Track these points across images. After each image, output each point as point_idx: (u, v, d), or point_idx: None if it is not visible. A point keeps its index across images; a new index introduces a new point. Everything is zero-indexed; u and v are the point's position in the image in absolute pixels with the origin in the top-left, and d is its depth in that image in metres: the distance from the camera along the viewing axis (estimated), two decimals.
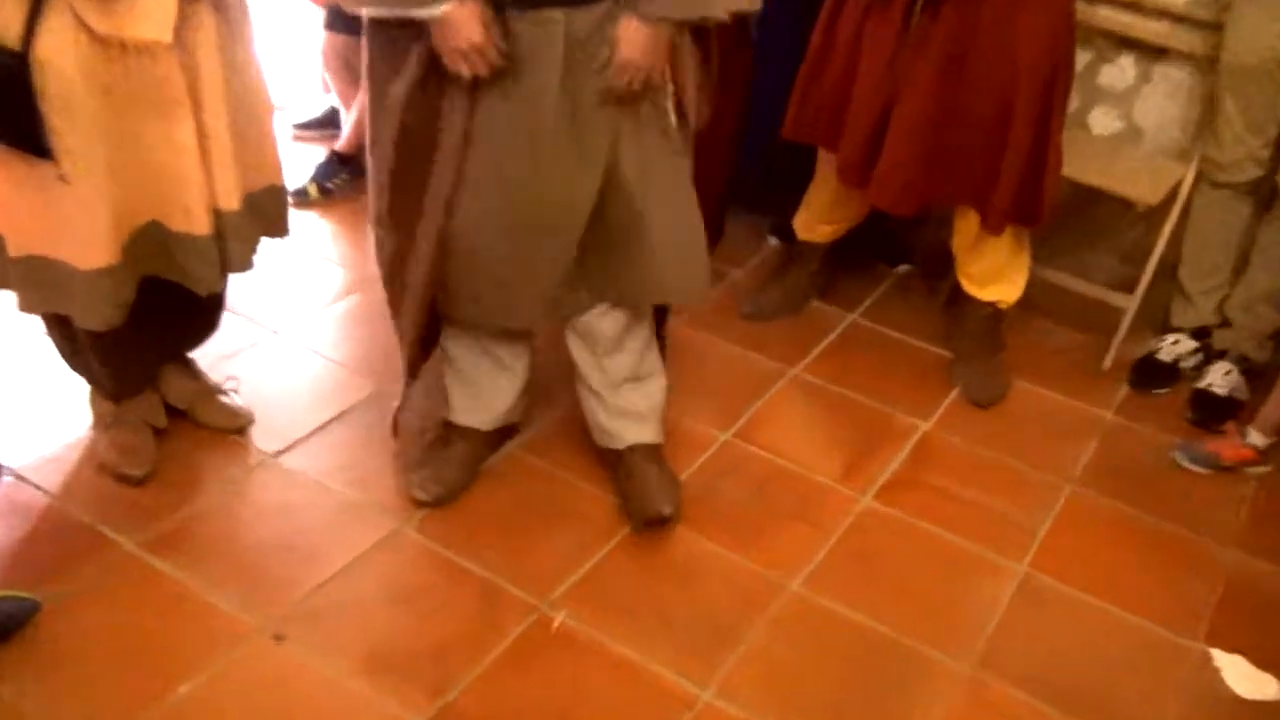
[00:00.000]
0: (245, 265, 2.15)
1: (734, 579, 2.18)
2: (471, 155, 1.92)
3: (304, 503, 2.26)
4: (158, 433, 2.33)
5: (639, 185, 1.99)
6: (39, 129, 1.84)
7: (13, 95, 1.82)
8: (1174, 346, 2.87)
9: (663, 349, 2.39)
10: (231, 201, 2.06)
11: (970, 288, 2.78)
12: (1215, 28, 2.73)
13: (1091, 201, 2.95)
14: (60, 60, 1.82)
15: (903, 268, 3.22)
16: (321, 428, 2.45)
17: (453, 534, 2.21)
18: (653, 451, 2.31)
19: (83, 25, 1.82)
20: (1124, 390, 2.84)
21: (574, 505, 2.32)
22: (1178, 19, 2.85)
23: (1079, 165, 2.74)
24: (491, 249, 1.99)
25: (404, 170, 1.96)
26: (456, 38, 1.78)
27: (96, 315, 2.01)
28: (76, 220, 1.92)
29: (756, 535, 2.28)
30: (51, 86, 1.83)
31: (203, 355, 2.44)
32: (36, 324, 2.23)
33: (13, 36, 1.80)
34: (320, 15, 3.22)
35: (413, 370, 2.23)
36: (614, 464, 2.33)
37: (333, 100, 3.50)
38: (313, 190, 3.27)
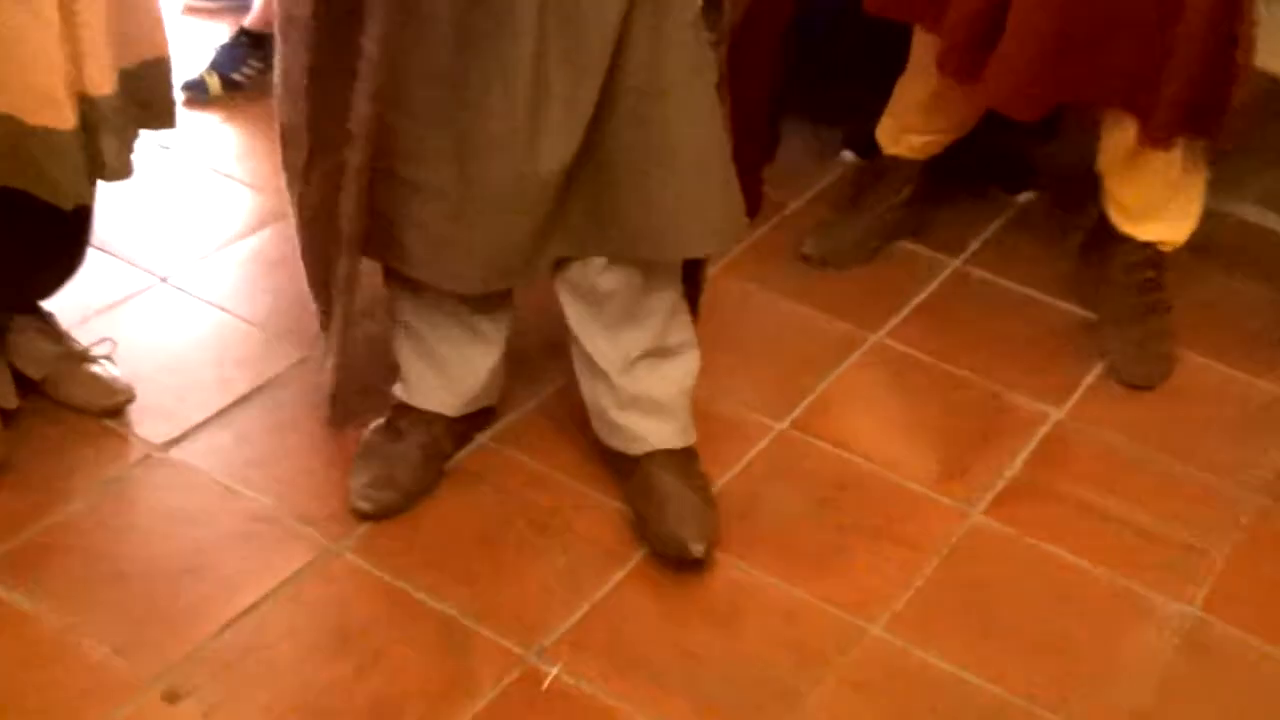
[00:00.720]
0: (122, 170, 2.17)
1: (792, 621, 2.19)
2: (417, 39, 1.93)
3: (204, 512, 2.27)
4: (4, 414, 2.34)
5: (648, 90, 1.98)
6: None
7: None
8: None
9: (694, 307, 2.39)
10: (103, 84, 2.08)
11: (1122, 223, 2.78)
12: None
13: None
14: None
15: (1026, 195, 3.22)
16: (227, 409, 2.46)
17: (405, 557, 2.22)
18: (679, 460, 2.30)
19: None
20: None
21: (570, 517, 2.33)
22: None
23: (1271, 50, 2.72)
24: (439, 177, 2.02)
25: (327, 56, 1.97)
26: None
27: None
28: None
29: (822, 561, 2.30)
30: None
31: (64, 308, 2.45)
32: None
33: None
34: None
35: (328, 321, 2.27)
36: (626, 472, 2.34)
37: None
38: (213, 82, 3.29)
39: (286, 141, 2.11)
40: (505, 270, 2.12)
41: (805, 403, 2.61)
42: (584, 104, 1.95)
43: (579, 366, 2.31)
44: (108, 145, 2.11)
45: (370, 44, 1.88)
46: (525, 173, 1.98)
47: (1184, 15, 2.44)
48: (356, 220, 2.06)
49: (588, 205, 2.08)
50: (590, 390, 2.31)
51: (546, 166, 1.98)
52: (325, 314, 2.26)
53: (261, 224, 2.93)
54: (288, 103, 2.08)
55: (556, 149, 1.97)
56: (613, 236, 2.11)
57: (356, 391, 2.40)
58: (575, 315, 2.23)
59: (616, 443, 2.32)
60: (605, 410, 2.30)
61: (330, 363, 2.31)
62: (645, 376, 2.27)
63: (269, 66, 3.28)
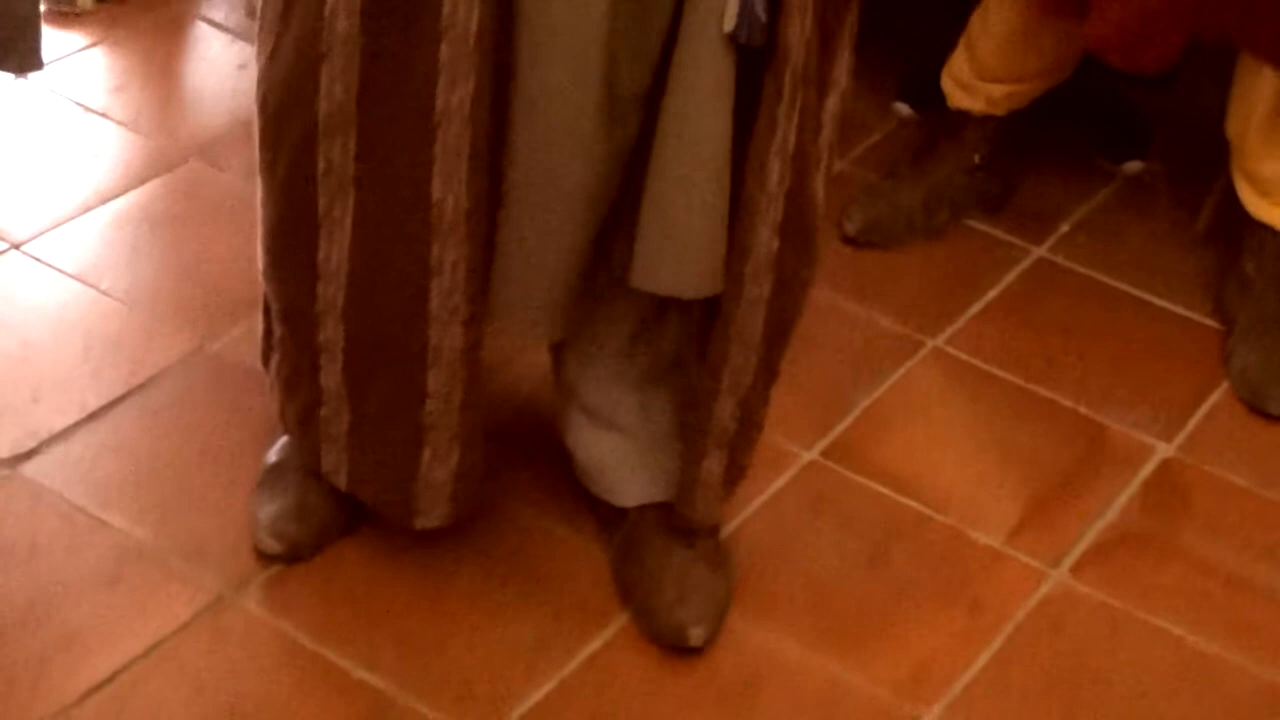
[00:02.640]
0: None
1: (825, 704, 2.20)
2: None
3: (57, 546, 2.27)
4: None
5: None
6: None
7: None
8: None
9: None
10: None
11: (1258, 204, 2.81)
12: None
13: None
14: None
15: (1135, 165, 3.24)
16: (95, 414, 2.46)
17: (322, 610, 2.23)
18: (677, 518, 2.31)
19: None
20: None
21: (539, 561, 2.34)
22: None
23: None
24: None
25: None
26: None
27: None
28: None
29: (864, 628, 2.30)
30: None
31: None
32: None
33: None
34: None
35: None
36: (610, 522, 2.36)
37: None
38: None
39: None
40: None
41: (844, 424, 2.63)
42: None
43: (556, 383, 2.35)
44: None
45: None
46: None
47: None
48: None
49: None
50: (566, 416, 2.35)
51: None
52: (295, 339, 2.22)
53: (141, 176, 2.93)
54: None
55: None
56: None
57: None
58: None
59: (598, 489, 2.35)
60: (582, 447, 2.34)
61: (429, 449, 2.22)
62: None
63: None
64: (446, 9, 1.90)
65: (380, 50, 1.96)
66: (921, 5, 3.08)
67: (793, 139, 2.01)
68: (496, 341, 2.34)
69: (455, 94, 1.93)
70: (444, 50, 1.92)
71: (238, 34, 3.16)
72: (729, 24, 1.91)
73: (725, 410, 2.15)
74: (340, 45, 1.96)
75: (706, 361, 2.15)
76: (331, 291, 2.12)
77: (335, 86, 2.00)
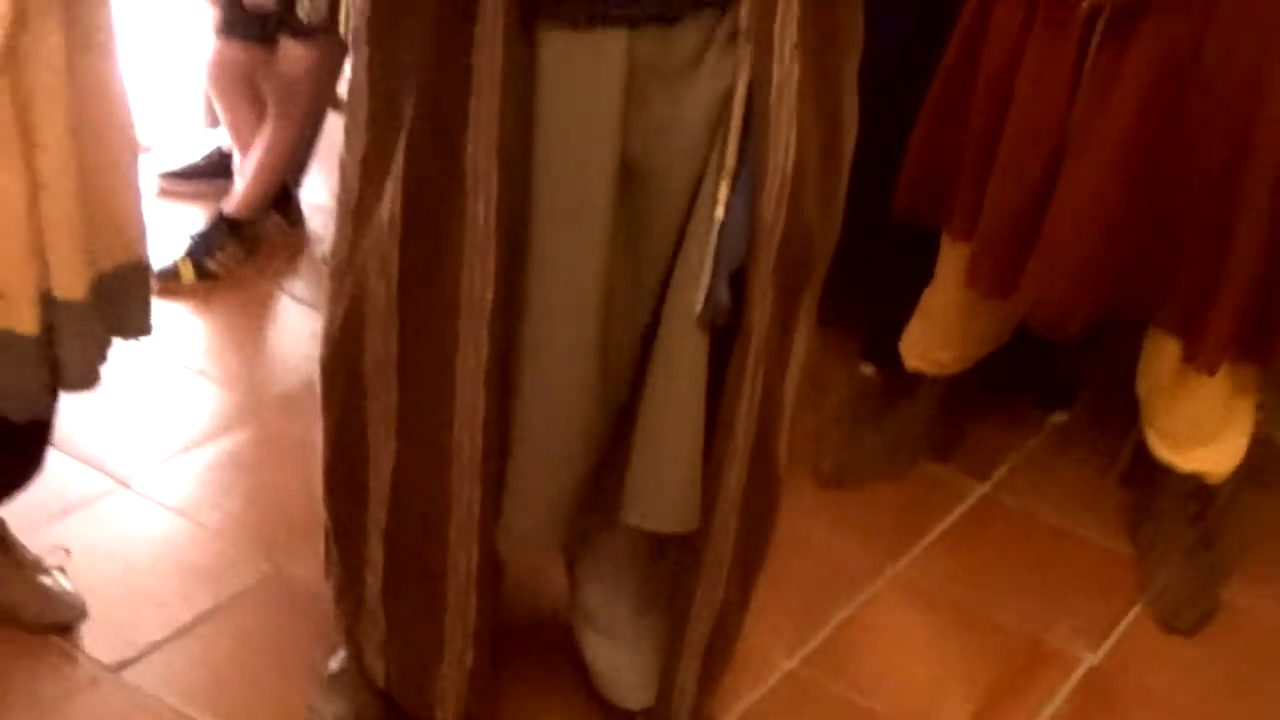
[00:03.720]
0: (87, 380, 2.18)
1: None
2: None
3: None
4: None
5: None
6: None
7: None
8: None
9: None
10: (73, 287, 2.09)
11: (1164, 451, 2.81)
12: None
13: None
14: None
15: (1062, 414, 3.26)
16: (186, 629, 2.45)
17: None
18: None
19: None
20: None
21: None
22: None
23: None
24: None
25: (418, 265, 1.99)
26: None
27: None
28: None
29: None
30: None
31: (16, 514, 2.45)
32: None
33: None
34: (210, 16, 3.35)
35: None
36: None
37: (221, 138, 3.61)
38: (186, 271, 3.34)
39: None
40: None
41: (819, 638, 2.61)
42: None
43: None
44: (71, 355, 2.11)
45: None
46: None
47: (1238, 230, 2.50)
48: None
49: None
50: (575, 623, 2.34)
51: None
52: (345, 556, 2.21)
53: (231, 425, 2.95)
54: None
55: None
56: None
57: None
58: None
59: (606, 691, 2.34)
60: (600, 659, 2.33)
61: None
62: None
63: (247, 255, 3.38)
64: (465, 288, 1.93)
65: (411, 320, 1.97)
66: (882, 283, 3.10)
67: (757, 403, 2.03)
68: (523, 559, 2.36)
69: (470, 361, 1.95)
70: (463, 323, 1.94)
71: (313, 306, 3.19)
72: (698, 306, 1.96)
73: (699, 628, 2.14)
74: (380, 316, 1.99)
75: (682, 585, 2.14)
76: (376, 514, 2.13)
77: (377, 348, 2.02)
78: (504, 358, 1.98)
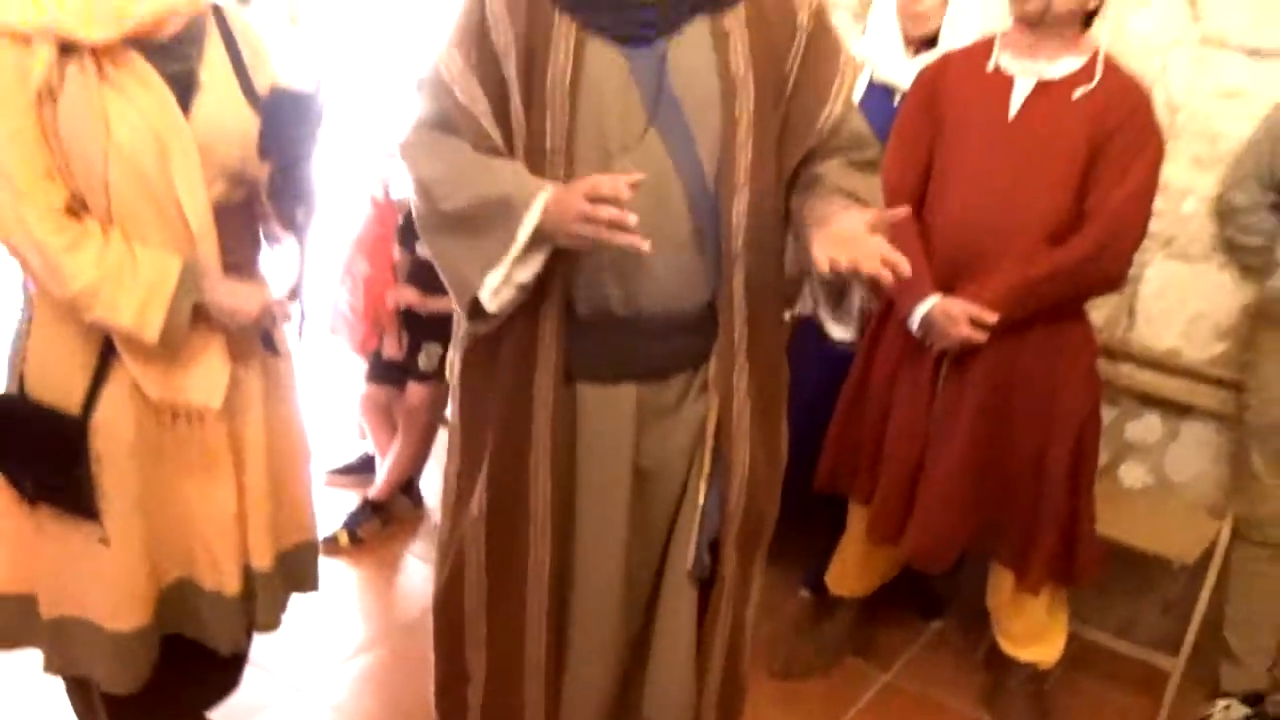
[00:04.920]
0: (273, 625, 2.16)
1: None
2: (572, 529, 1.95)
3: None
4: None
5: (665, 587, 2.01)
6: (89, 492, 1.92)
7: (68, 459, 1.91)
8: (1226, 713, 2.79)
9: None
10: (264, 560, 2.09)
11: (1008, 647, 2.76)
12: (1237, 387, 2.83)
13: (1131, 553, 2.95)
14: (117, 425, 1.92)
15: (939, 623, 3.20)
16: None
17: None
18: None
19: (139, 392, 1.93)
20: None
21: None
22: (1200, 378, 2.96)
23: (1112, 520, 2.76)
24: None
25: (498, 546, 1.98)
26: (567, 214, 1.64)
27: (123, 679, 2.01)
28: (112, 581, 1.97)
29: None
30: (106, 450, 1.92)
31: (217, 713, 2.41)
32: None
33: (74, 402, 1.91)
34: (362, 366, 3.41)
35: None
36: None
37: (368, 447, 3.63)
38: (343, 538, 3.33)
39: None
40: None
41: None
42: None
43: None
44: (262, 608, 2.11)
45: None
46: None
47: (1047, 476, 2.50)
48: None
49: None
50: None
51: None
52: None
53: (371, 646, 2.91)
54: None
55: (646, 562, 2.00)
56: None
57: None
58: None
59: None
60: None
61: None
62: None
63: (384, 526, 3.39)
64: (531, 560, 1.93)
65: (495, 580, 1.97)
66: (814, 534, 3.08)
67: (728, 630, 2.02)
68: None
69: (536, 608, 1.95)
70: (530, 582, 1.94)
71: (429, 563, 3.13)
72: (688, 565, 1.94)
73: None
74: (475, 576, 1.99)
75: None
76: (473, 716, 2.09)
77: (473, 598, 2.02)
78: (559, 604, 1.97)
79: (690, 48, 1.71)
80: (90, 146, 1.78)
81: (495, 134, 1.76)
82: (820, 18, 1.80)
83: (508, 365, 1.86)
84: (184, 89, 1.85)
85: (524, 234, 1.68)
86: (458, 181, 1.75)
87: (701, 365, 1.88)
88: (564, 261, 1.76)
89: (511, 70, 1.72)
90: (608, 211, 1.59)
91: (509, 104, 1.74)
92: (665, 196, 1.73)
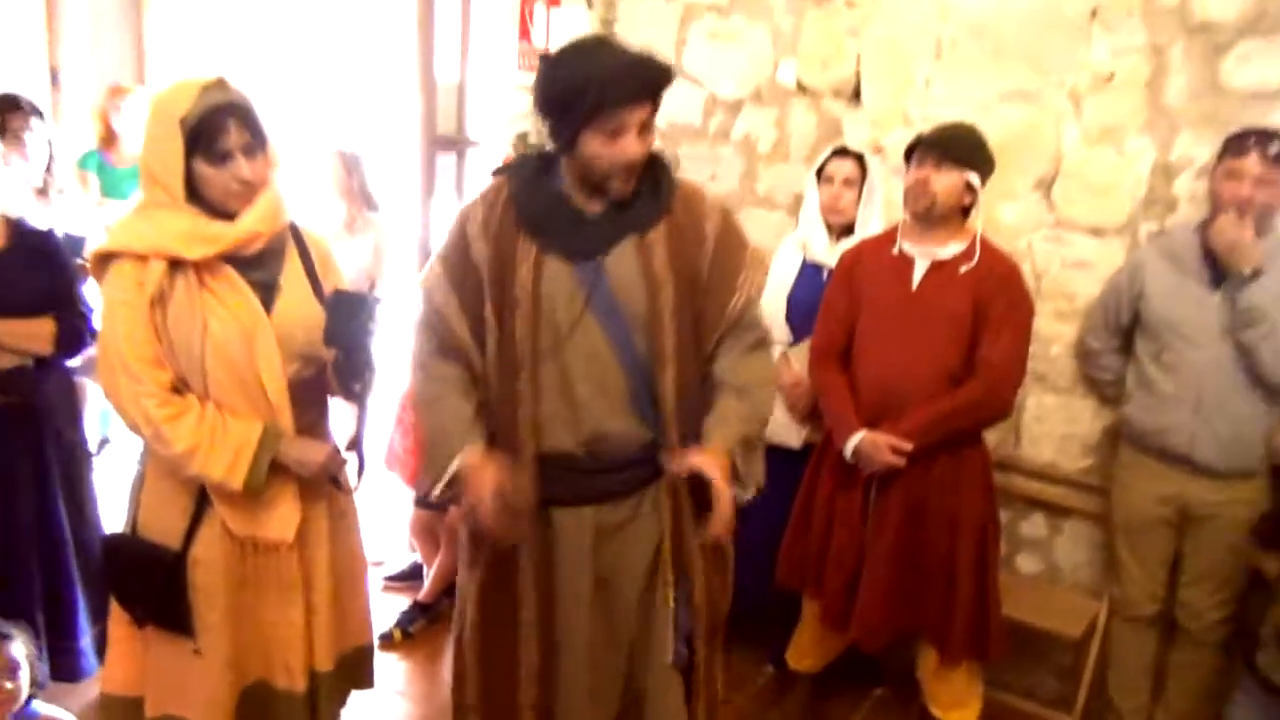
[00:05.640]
0: (334, 718, 2.09)
1: None
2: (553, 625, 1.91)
3: None
4: None
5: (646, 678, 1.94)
6: (187, 614, 1.89)
7: (171, 586, 1.89)
8: None
9: None
10: (326, 663, 2.04)
11: (935, 711, 2.66)
12: (1104, 492, 2.81)
13: (1031, 629, 2.89)
14: (209, 558, 1.91)
15: (879, 690, 3.09)
16: None
17: None
18: None
19: (228, 530, 1.91)
20: None
21: None
22: (1075, 485, 2.94)
23: (1014, 603, 2.72)
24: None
25: (490, 650, 1.94)
26: (475, 485, 1.73)
27: None
28: (205, 685, 1.93)
29: None
30: (199, 578, 1.91)
31: None
32: None
33: (176, 540, 1.91)
34: (411, 494, 3.36)
35: None
36: None
37: (417, 558, 3.55)
38: (396, 634, 3.23)
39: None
40: None
41: None
42: None
43: None
44: (324, 703, 2.05)
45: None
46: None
47: (959, 572, 2.45)
48: None
49: None
50: None
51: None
52: None
53: None
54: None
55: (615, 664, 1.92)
56: None
57: None
58: None
59: None
60: None
61: None
62: None
63: (431, 624, 3.30)
64: (522, 660, 1.89)
65: (490, 675, 1.93)
66: (775, 620, 3.00)
67: (706, 700, 1.95)
68: None
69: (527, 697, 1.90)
70: (522, 678, 1.90)
71: None
72: (669, 659, 1.88)
73: None
74: (472, 667, 1.96)
75: None
76: None
77: (470, 691, 1.97)
78: (546, 694, 1.91)
79: (622, 258, 1.77)
80: (191, 340, 1.79)
81: (462, 330, 1.82)
82: (725, 225, 1.86)
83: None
84: (267, 292, 1.88)
85: (448, 474, 1.79)
86: (429, 407, 1.85)
87: (649, 486, 1.87)
88: (532, 418, 1.79)
89: (485, 278, 1.80)
90: (484, 516, 1.71)
91: (483, 306, 1.81)
92: (605, 367, 1.78)
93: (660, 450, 1.81)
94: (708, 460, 1.72)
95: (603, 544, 1.86)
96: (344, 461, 2.02)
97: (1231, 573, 2.54)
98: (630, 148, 1.68)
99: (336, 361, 1.90)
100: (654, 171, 1.80)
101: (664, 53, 3.29)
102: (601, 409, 1.77)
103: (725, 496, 1.71)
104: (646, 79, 1.67)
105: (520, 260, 1.76)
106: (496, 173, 1.89)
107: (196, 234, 1.77)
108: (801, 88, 3.16)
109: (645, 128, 1.70)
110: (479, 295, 1.80)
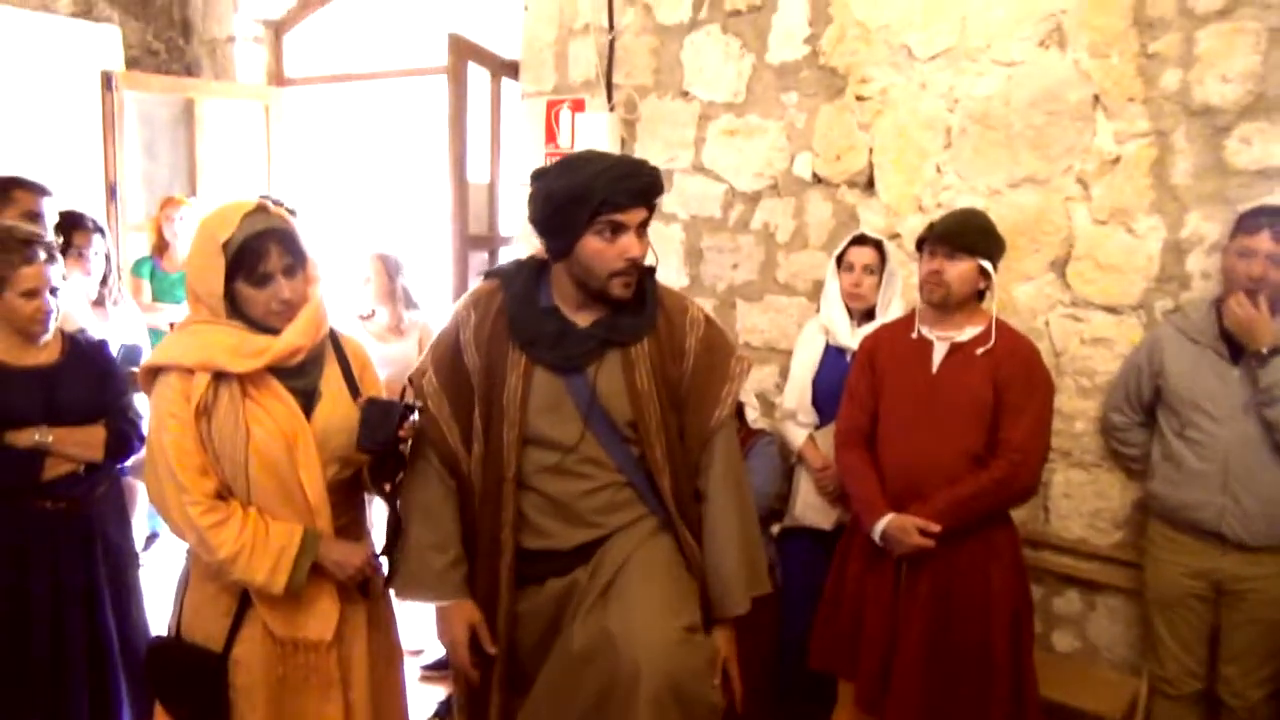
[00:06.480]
0: None
1: None
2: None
3: None
4: None
5: None
6: (229, 715, 1.89)
7: (212, 687, 1.89)
8: None
9: None
10: None
11: None
12: (1137, 566, 2.74)
13: (1070, 709, 2.78)
14: (249, 659, 1.91)
15: None
16: None
17: None
18: None
19: (268, 631, 1.91)
20: None
21: None
22: (1107, 559, 2.87)
23: (1052, 682, 2.64)
24: None
25: None
26: (448, 630, 1.88)
27: None
28: None
29: None
30: (241, 679, 1.90)
31: None
32: None
33: (218, 642, 1.91)
34: None
35: None
36: None
37: None
38: None
39: None
40: None
41: None
42: None
43: None
44: None
45: None
46: None
47: (994, 653, 2.38)
48: None
49: None
50: None
51: None
52: None
53: None
54: None
55: None
56: None
57: None
58: None
59: None
60: None
61: None
62: None
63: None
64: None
65: None
66: (812, 702, 2.91)
67: None
68: None
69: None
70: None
71: None
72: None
73: None
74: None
75: None
76: None
77: None
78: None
79: (607, 372, 1.83)
80: (236, 448, 1.82)
81: (453, 435, 1.88)
82: (707, 338, 1.91)
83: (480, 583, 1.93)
84: (307, 398, 1.91)
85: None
86: (425, 524, 1.92)
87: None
88: (513, 521, 1.85)
89: (476, 385, 1.86)
90: (458, 660, 1.85)
91: (472, 413, 1.86)
92: (604, 476, 1.85)
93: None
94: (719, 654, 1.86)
95: (564, 605, 1.87)
96: (379, 566, 2.02)
97: (1272, 649, 2.45)
98: (633, 246, 1.74)
99: (370, 464, 1.92)
100: (642, 284, 1.85)
101: (684, 150, 3.41)
102: (598, 517, 1.84)
103: (735, 676, 1.88)
104: (645, 183, 1.75)
105: (510, 369, 1.82)
106: (489, 275, 1.94)
107: (241, 348, 1.82)
108: (817, 179, 3.21)
109: (642, 230, 1.77)
110: (469, 401, 1.86)
